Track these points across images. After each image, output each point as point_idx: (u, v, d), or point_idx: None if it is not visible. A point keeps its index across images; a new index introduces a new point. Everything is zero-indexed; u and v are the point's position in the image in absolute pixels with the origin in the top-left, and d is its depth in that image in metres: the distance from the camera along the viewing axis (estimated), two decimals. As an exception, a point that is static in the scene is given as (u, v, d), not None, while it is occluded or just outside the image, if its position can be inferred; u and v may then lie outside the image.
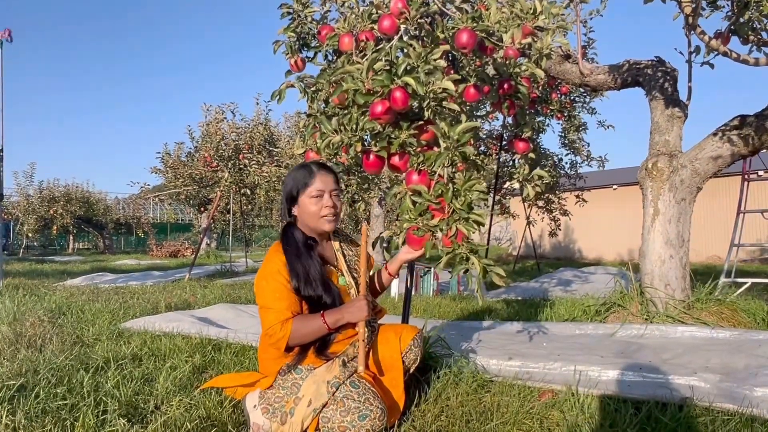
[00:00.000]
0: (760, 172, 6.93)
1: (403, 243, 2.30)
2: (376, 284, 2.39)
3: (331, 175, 2.17)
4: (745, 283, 5.32)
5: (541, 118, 7.17)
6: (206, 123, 9.90)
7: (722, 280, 5.24)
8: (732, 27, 3.12)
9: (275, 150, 10.24)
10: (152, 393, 2.30)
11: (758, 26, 2.98)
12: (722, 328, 3.49)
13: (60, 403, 2.12)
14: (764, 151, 4.02)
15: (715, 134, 3.84)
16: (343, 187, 6.55)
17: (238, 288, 7.00)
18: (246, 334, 3.42)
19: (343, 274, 2.19)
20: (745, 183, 5.85)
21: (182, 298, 5.73)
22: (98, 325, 3.80)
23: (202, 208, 15.29)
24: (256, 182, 9.59)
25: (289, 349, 2.00)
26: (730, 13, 3.09)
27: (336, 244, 2.26)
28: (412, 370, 2.26)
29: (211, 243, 20.03)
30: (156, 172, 12.11)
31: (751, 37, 3.09)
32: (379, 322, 2.33)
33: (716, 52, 3.31)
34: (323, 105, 2.69)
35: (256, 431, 1.94)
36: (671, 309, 3.73)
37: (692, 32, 3.35)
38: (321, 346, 2.07)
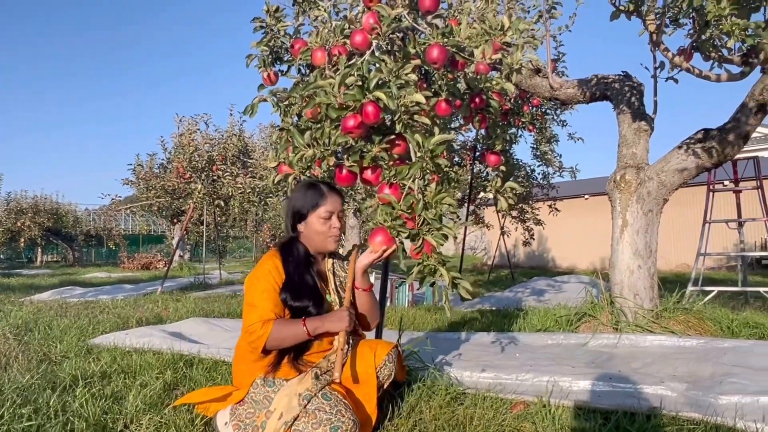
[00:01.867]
0: (726, 182, 7.12)
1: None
2: (359, 311, 2.32)
3: (339, 197, 2.28)
4: (712, 291, 5.45)
5: (513, 130, 7.27)
6: (179, 134, 9.80)
7: (690, 288, 5.36)
8: (694, 44, 3.22)
9: (249, 161, 10.18)
10: (121, 412, 2.26)
11: (719, 44, 3.07)
12: (689, 336, 3.57)
13: (26, 424, 2.06)
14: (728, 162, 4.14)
15: (680, 147, 3.94)
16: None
17: (212, 301, 6.91)
18: (218, 349, 3.38)
19: (330, 293, 2.24)
20: (711, 193, 6.01)
21: (154, 312, 5.63)
22: (66, 342, 3.71)
23: (175, 220, 15.08)
24: (230, 193, 9.52)
25: (266, 352, 2.02)
26: (692, 31, 3.19)
27: (329, 264, 2.31)
28: (386, 386, 2.26)
29: (184, 255, 19.76)
30: (128, 184, 11.93)
31: (713, 54, 3.19)
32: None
33: (680, 68, 3.41)
34: (296, 119, 2.70)
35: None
36: (640, 318, 3.80)
37: (657, 49, 3.44)
38: (296, 353, 2.08)
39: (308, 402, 1.90)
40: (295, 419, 1.88)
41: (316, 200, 2.20)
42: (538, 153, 9.45)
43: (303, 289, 2.10)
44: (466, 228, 10.32)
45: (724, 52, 3.20)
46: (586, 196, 18.39)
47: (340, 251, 2.46)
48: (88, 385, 2.62)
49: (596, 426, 2.03)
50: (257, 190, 9.60)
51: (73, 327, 4.37)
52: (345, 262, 2.38)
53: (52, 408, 2.23)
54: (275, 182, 2.62)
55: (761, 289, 5.35)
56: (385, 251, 2.13)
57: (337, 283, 2.29)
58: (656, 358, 3.18)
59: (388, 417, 2.18)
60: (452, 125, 6.42)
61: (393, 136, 2.39)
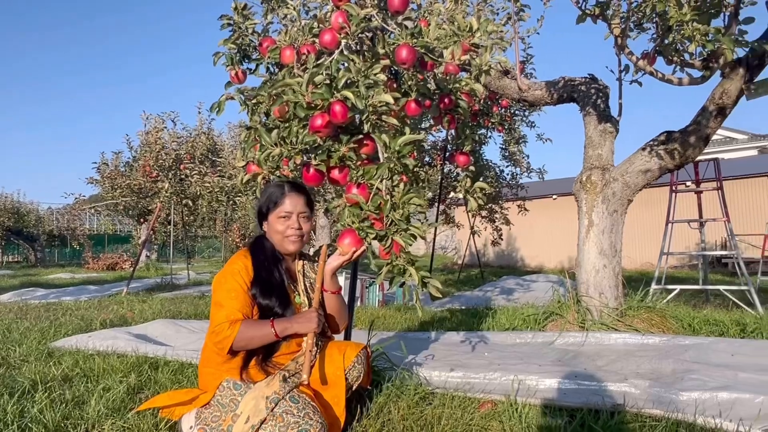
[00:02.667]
0: (688, 183, 7.32)
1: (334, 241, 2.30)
2: (327, 313, 2.32)
3: (302, 197, 2.24)
4: (674, 289, 5.59)
5: (482, 131, 7.33)
6: (146, 132, 9.62)
7: (653, 287, 5.49)
8: (657, 48, 3.29)
9: (218, 160, 10.05)
10: (83, 417, 2.20)
11: (681, 48, 3.15)
12: (652, 334, 3.65)
13: (-20, 431, 2.00)
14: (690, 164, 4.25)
15: (643, 149, 4.03)
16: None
17: (179, 302, 6.80)
18: (185, 351, 3.33)
19: (299, 294, 2.22)
20: (673, 194, 6.16)
21: (119, 314, 5.51)
22: (26, 346, 3.60)
23: (141, 219, 14.79)
24: (198, 193, 9.37)
25: (233, 353, 1.99)
26: (655, 36, 3.27)
27: (299, 265, 2.30)
28: (354, 387, 2.26)
29: (151, 255, 19.39)
30: (92, 183, 11.64)
31: (675, 59, 3.27)
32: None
33: (643, 72, 3.49)
34: (264, 117, 2.67)
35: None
36: (605, 317, 3.87)
37: (621, 52, 3.51)
38: (264, 355, 2.07)
39: (276, 405, 1.88)
40: (263, 423, 1.86)
41: (276, 200, 2.20)
42: (507, 154, 9.56)
43: (270, 286, 2.09)
44: (436, 228, 10.37)
45: (686, 56, 3.28)
46: (555, 197, 18.67)
47: (310, 251, 2.45)
48: (48, 389, 2.54)
49: (562, 424, 2.06)
50: (226, 189, 9.47)
51: (33, 330, 4.24)
52: (315, 264, 2.36)
53: (10, 414, 2.16)
54: (244, 182, 2.59)
55: (721, 287, 5.50)
56: (354, 253, 2.12)
57: (307, 285, 2.27)
58: (620, 355, 3.25)
59: (356, 418, 2.17)
60: (423, 126, 6.44)
61: (361, 136, 2.38)
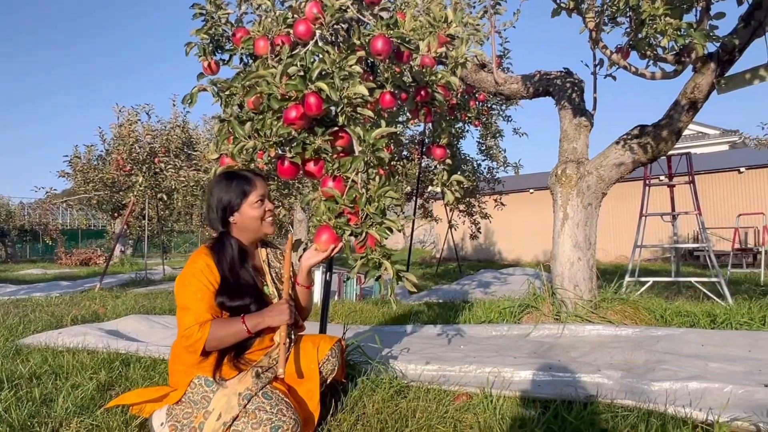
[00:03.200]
0: (661, 177, 7.44)
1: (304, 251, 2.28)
2: (299, 301, 2.31)
3: (263, 179, 2.21)
4: (648, 281, 5.67)
5: (459, 125, 7.34)
6: (119, 125, 9.43)
7: (627, 279, 5.57)
8: (631, 43, 3.32)
9: (194, 153, 9.91)
10: (50, 415, 2.15)
11: (654, 43, 3.18)
12: (625, 325, 3.70)
13: (-59, 431, 1.94)
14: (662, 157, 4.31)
15: (617, 143, 4.07)
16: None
17: (153, 297, 6.70)
18: (158, 347, 3.28)
19: (267, 285, 2.17)
20: (647, 188, 6.25)
21: (91, 310, 5.41)
22: (-7, 342, 3.51)
23: (116, 214, 14.54)
24: (174, 187, 9.23)
25: (205, 353, 1.95)
26: (629, 30, 3.29)
27: (263, 254, 2.24)
28: (329, 381, 2.24)
29: (126, 250, 19.09)
30: (64, 176, 11.38)
31: (648, 53, 3.30)
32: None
33: (617, 66, 3.51)
34: (237, 109, 2.62)
35: (165, 450, 1.85)
36: (580, 309, 3.91)
37: (596, 46, 3.54)
38: (237, 352, 2.03)
39: (248, 401, 1.85)
40: (235, 419, 1.83)
41: (245, 188, 2.13)
42: (484, 148, 9.59)
43: (242, 288, 2.03)
44: (414, 221, 10.38)
45: (659, 50, 3.31)
46: (532, 191, 18.84)
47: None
48: (15, 387, 2.48)
49: (536, 415, 2.07)
50: (202, 183, 9.35)
51: (1, 326, 4.14)
52: (278, 252, 2.33)
53: (-27, 413, 2.10)
54: (218, 175, 2.54)
55: (692, 279, 5.60)
56: (332, 250, 2.10)
57: (273, 275, 2.23)
58: (594, 347, 3.28)
59: (331, 412, 2.16)
60: (400, 119, 6.43)
61: (336, 128, 2.36)
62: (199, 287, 1.95)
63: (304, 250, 2.50)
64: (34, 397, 2.36)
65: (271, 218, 2.16)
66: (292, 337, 2.18)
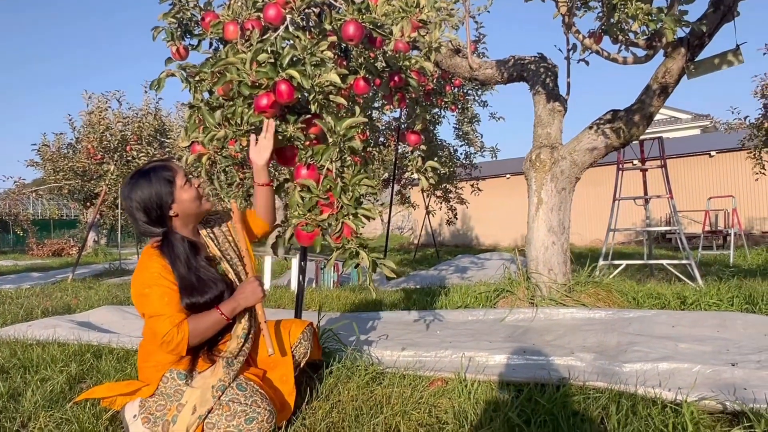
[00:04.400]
0: (634, 162, 7.53)
1: (291, 237, 2.26)
2: (265, 203, 2.30)
3: (173, 162, 2.12)
4: (621, 264, 5.77)
5: (436, 110, 7.33)
6: (89, 112, 9.21)
7: (600, 262, 5.65)
8: (603, 27, 3.33)
9: (167, 141, 9.74)
10: (18, 410, 2.11)
11: (626, 27, 3.19)
12: (599, 308, 3.75)
13: None
14: (635, 142, 4.36)
15: (590, 127, 4.10)
16: (238, 180, 6.36)
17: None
18: (131, 338, 3.23)
19: (220, 262, 2.09)
20: (620, 172, 6.33)
21: (63, 302, 5.32)
22: (-41, 337, 3.43)
23: (88, 203, 14.27)
24: (147, 175, 9.05)
25: (189, 351, 1.90)
26: (601, 14, 3.30)
27: (204, 232, 2.13)
28: (302, 365, 2.24)
29: (99, 240, 18.78)
30: (32, 166, 11.11)
31: (620, 38, 3.32)
32: (274, 318, 2.27)
33: (590, 51, 3.53)
34: (207, 95, 2.57)
35: (137, 441, 1.83)
36: (554, 292, 3.95)
37: (569, 31, 3.54)
38: (210, 345, 2.00)
39: (222, 393, 1.84)
40: (210, 412, 1.82)
41: (168, 178, 1.99)
42: (461, 133, 9.61)
43: (208, 282, 1.95)
44: (391, 208, 10.38)
45: (631, 35, 3.33)
46: (508, 176, 18.98)
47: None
48: (-19, 382, 2.42)
49: (509, 398, 2.09)
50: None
51: (-32, 320, 4.04)
52: (216, 223, 2.22)
53: (-62, 410, 2.05)
54: (189, 162, 2.50)
55: (664, 262, 5.71)
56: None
57: (223, 249, 2.13)
58: (568, 330, 3.33)
59: (306, 400, 2.15)
60: (375, 105, 6.39)
61: (309, 116, 2.33)
62: (165, 291, 1.86)
63: (281, 242, 2.47)
64: (2, 391, 2.31)
65: (204, 193, 2.08)
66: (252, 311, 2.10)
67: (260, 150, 2.13)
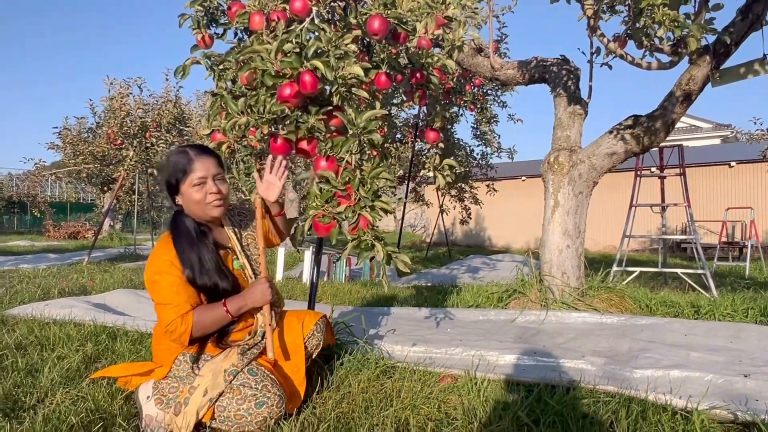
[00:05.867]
0: (652, 169, 7.47)
1: (309, 229, 2.29)
2: (279, 229, 2.35)
3: (212, 158, 2.03)
4: (634, 271, 5.73)
5: (454, 109, 7.32)
6: (110, 98, 9.31)
7: (614, 268, 5.62)
8: (628, 32, 3.31)
9: (186, 129, 9.81)
10: (35, 385, 2.15)
11: (651, 33, 3.17)
12: (611, 313, 3.73)
13: (-75, 398, 1.93)
14: (654, 149, 4.33)
15: (611, 132, 4.07)
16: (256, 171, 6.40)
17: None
18: (145, 321, 3.28)
19: (237, 257, 2.11)
20: (638, 178, 6.28)
21: (79, 283, 5.40)
22: (-22, 312, 3.50)
23: (105, 188, 14.42)
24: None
25: (192, 341, 1.94)
26: (626, 18, 3.28)
27: (229, 231, 2.15)
28: (314, 356, 2.27)
29: (115, 225, 18.98)
30: (53, 149, 11.25)
31: (645, 42, 3.30)
32: (285, 309, 2.29)
33: (614, 54, 3.51)
34: (230, 84, 2.60)
35: (149, 423, 1.86)
36: (566, 296, 3.94)
37: (594, 34, 3.52)
38: (220, 335, 2.02)
39: (234, 377, 1.86)
40: (221, 395, 1.84)
41: (185, 167, 1.97)
42: (478, 133, 9.58)
43: (203, 266, 1.94)
44: (405, 205, 10.39)
45: (656, 41, 3.31)
46: (523, 178, 18.87)
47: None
48: (0, 357, 2.48)
49: (519, 398, 2.09)
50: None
51: (-13, 297, 4.12)
52: (247, 219, 2.26)
53: (-42, 381, 2.10)
54: (209, 150, 2.52)
55: (678, 270, 5.66)
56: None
57: (245, 244, 2.16)
58: (579, 333, 3.32)
59: (317, 390, 2.17)
60: (395, 101, 6.40)
61: (330, 108, 2.34)
62: (174, 280, 1.89)
63: (298, 232, 2.48)
64: (20, 367, 2.36)
65: (216, 201, 2.00)
66: (276, 310, 2.15)
67: (269, 188, 2.11)
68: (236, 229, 2.18)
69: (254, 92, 2.34)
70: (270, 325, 2.00)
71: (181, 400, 1.85)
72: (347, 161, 2.21)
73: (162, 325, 1.88)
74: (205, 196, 1.97)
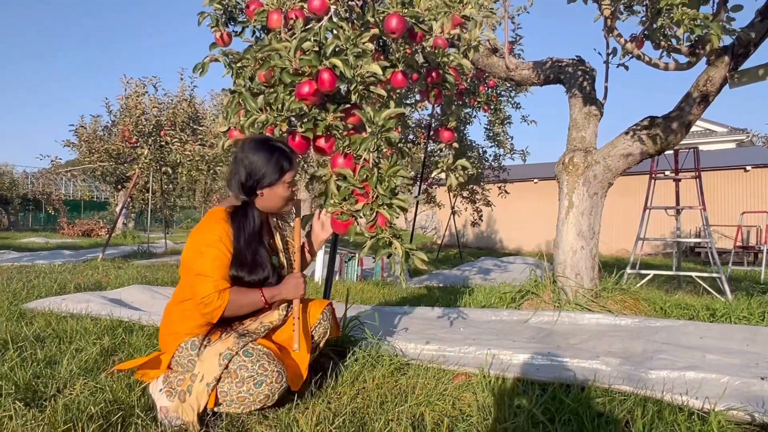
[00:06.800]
0: (666, 172, 7.42)
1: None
2: (312, 248, 2.45)
3: (296, 156, 2.20)
4: (648, 274, 5.69)
5: (468, 110, 7.32)
6: (126, 96, 9.40)
7: (628, 271, 5.58)
8: (646, 32, 3.30)
9: (199, 128, 9.88)
10: (54, 376, 2.18)
11: (669, 33, 3.16)
12: (625, 315, 3.72)
13: (-52, 386, 1.96)
14: (669, 152, 4.31)
15: (626, 133, 4.05)
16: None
17: (155, 270, 6.74)
18: (161, 317, 3.30)
19: (277, 255, 2.19)
20: (653, 181, 6.24)
21: (94, 279, 5.45)
22: (-3, 306, 3.55)
23: (119, 186, 14.55)
24: (178, 161, 9.22)
25: (218, 322, 1.98)
26: (644, 19, 3.27)
27: (274, 220, 2.25)
28: (322, 344, 2.28)
29: (128, 223, 19.12)
30: (69, 146, 11.37)
31: (663, 43, 3.28)
32: None
33: (631, 55, 3.49)
34: (249, 82, 2.62)
35: (165, 414, 1.88)
36: (580, 297, 3.93)
37: (610, 34, 3.51)
38: (231, 320, 2.08)
39: (229, 361, 1.87)
40: (219, 381, 1.85)
41: (284, 165, 2.08)
42: (491, 134, 9.56)
43: (260, 264, 2.03)
44: (417, 206, 10.39)
45: (673, 41, 3.29)
46: (536, 180, 18.80)
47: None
48: (19, 349, 2.51)
49: (534, 396, 2.09)
50: (207, 158, 9.34)
51: (5, 291, 4.18)
52: (282, 221, 2.34)
53: (-21, 371, 2.13)
54: (225, 147, 2.55)
55: (693, 274, 5.62)
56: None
57: (283, 243, 2.25)
58: (593, 334, 3.31)
59: (331, 385, 2.18)
60: (408, 102, 6.41)
61: (348, 106, 2.36)
62: (218, 255, 1.93)
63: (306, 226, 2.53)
64: (39, 358, 2.40)
65: (293, 198, 2.18)
66: (290, 307, 2.20)
67: (296, 287, 2.08)
68: (280, 224, 2.26)
69: (272, 90, 2.36)
70: (298, 318, 2.04)
71: (184, 388, 1.87)
72: (365, 159, 2.22)
73: (197, 296, 1.90)
74: (291, 194, 2.13)
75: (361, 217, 2.17)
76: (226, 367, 1.86)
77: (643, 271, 5.72)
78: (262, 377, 1.84)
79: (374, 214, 2.13)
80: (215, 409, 1.87)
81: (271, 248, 2.17)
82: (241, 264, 1.99)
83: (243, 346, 1.91)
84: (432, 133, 7.96)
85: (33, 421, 1.71)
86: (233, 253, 1.98)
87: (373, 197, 2.14)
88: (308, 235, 2.44)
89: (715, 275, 5.40)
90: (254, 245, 2.04)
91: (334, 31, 2.33)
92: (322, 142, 2.33)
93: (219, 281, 1.91)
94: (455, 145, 3.22)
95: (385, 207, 2.12)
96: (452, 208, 11.90)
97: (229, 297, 1.91)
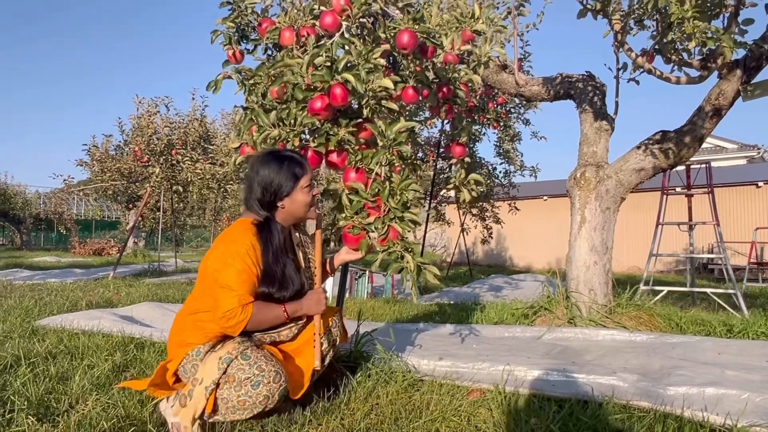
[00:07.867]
0: (678, 188, 7.38)
1: (339, 242, 2.33)
2: (332, 266, 2.45)
3: (308, 161, 2.19)
4: (662, 290, 5.62)
5: (477, 127, 7.33)
6: (138, 116, 9.52)
7: (641, 287, 5.52)
8: (656, 46, 3.30)
9: (210, 147, 9.97)
10: (66, 392, 2.17)
11: (680, 47, 3.16)
12: (640, 331, 3.66)
13: (-39, 402, 1.96)
14: (681, 168, 4.28)
15: (638, 147, 4.04)
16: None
17: (166, 287, 6.75)
18: (172, 333, 3.30)
19: (299, 271, 2.17)
20: (665, 196, 6.20)
21: (105, 297, 5.46)
22: (10, 322, 3.57)
23: (130, 205, 14.68)
24: (189, 179, 9.29)
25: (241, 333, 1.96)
26: (655, 33, 3.27)
27: (297, 236, 2.23)
28: (332, 353, 2.26)
29: (139, 242, 19.23)
30: (81, 165, 11.50)
31: (674, 57, 3.28)
32: None
33: (642, 69, 3.49)
34: (261, 98, 2.64)
35: (177, 430, 1.86)
36: (594, 313, 3.88)
37: (621, 49, 3.52)
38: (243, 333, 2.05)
39: (228, 365, 1.84)
40: (217, 385, 1.83)
41: (296, 171, 2.05)
42: (501, 151, 9.57)
43: (288, 280, 2.02)
44: (426, 224, 10.37)
45: (685, 55, 3.29)
46: (545, 197, 18.74)
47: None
48: (31, 365, 2.51)
49: (550, 413, 2.06)
50: (217, 177, 9.40)
51: (17, 308, 4.20)
52: (303, 235, 2.33)
53: (-8, 387, 2.13)
54: (237, 164, 2.56)
55: (708, 290, 5.55)
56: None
57: (305, 261, 2.23)
58: (608, 351, 3.26)
59: (344, 401, 2.16)
60: (418, 119, 6.44)
61: (360, 120, 2.37)
62: (245, 268, 1.89)
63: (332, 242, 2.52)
64: (51, 374, 2.39)
65: (315, 202, 2.16)
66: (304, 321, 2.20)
67: (318, 303, 2.09)
68: (302, 239, 2.25)
69: (285, 105, 2.38)
70: (318, 334, 2.03)
71: (185, 392, 1.86)
72: (377, 173, 2.22)
73: (219, 309, 1.87)
74: (312, 198, 2.11)
75: (372, 231, 2.17)
76: (225, 371, 1.83)
77: (657, 288, 5.66)
78: (259, 378, 1.81)
79: (386, 227, 2.12)
80: (213, 416, 1.84)
81: (295, 265, 2.16)
82: (272, 281, 1.97)
83: (242, 350, 1.88)
84: (442, 150, 7.98)
85: (45, 437, 1.70)
86: (262, 269, 1.95)
87: (384, 211, 2.14)
88: (331, 252, 2.44)
89: (730, 291, 5.33)
90: (282, 260, 2.03)
91: (346, 47, 2.35)
92: (334, 157, 2.34)
93: (244, 295, 1.88)
94: (467, 159, 3.22)
95: (397, 220, 2.11)
96: (462, 225, 11.87)
97: (252, 311, 1.89)
